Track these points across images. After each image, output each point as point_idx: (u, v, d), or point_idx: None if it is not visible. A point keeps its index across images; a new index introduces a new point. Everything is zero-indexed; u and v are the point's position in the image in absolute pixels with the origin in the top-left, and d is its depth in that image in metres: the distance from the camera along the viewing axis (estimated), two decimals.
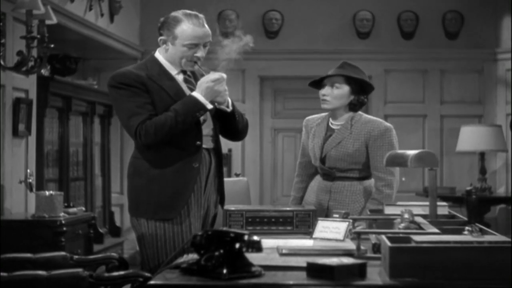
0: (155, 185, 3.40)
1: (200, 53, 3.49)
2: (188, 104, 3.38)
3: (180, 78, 3.52)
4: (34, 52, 5.08)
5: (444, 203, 3.57)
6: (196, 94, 3.41)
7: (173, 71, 3.51)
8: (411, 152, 3.36)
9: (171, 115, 3.34)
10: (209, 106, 3.41)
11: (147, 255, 3.43)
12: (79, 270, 2.80)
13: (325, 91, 4.12)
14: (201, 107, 3.39)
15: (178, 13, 3.51)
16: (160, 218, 3.40)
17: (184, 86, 3.51)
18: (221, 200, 3.65)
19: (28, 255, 3.20)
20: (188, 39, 3.45)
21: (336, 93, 4.11)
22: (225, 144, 3.74)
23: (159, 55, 3.54)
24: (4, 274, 2.74)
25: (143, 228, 3.42)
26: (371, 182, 4.15)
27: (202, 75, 3.51)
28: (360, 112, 4.20)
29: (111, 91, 3.46)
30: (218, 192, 3.62)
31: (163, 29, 3.49)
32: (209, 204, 3.57)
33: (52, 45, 4.98)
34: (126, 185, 3.61)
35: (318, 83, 4.19)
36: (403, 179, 4.09)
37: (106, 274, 2.86)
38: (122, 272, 2.85)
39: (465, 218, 3.40)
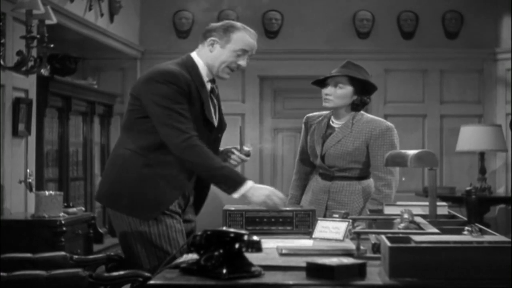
0: (144, 184, 3.37)
1: (243, 62, 3.54)
2: (235, 179, 3.36)
3: (208, 87, 3.53)
4: (34, 52, 5.07)
5: (444, 203, 3.58)
6: (248, 187, 3.37)
7: (205, 78, 3.51)
8: (411, 152, 3.36)
9: (216, 166, 3.33)
10: (236, 196, 3.37)
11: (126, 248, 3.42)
12: (79, 270, 2.79)
13: (329, 90, 4.12)
14: (234, 189, 3.35)
15: (235, 22, 3.59)
16: (138, 216, 3.36)
17: (209, 100, 3.51)
18: (197, 209, 3.66)
19: (28, 255, 3.20)
20: (241, 45, 3.50)
21: (339, 93, 4.10)
22: (225, 144, 3.74)
23: (197, 57, 3.53)
24: (3, 274, 2.74)
25: (122, 222, 3.39)
26: (369, 182, 4.15)
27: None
28: (361, 112, 4.19)
29: (154, 86, 3.37)
30: (197, 202, 3.63)
31: (216, 31, 3.51)
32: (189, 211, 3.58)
33: (52, 45, 4.97)
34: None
35: (321, 82, 4.19)
36: (403, 179, 4.09)
37: (106, 274, 2.85)
38: (121, 272, 2.85)
39: (465, 218, 3.40)
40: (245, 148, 3.66)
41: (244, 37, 3.52)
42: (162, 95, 3.35)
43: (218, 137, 3.60)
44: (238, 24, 3.56)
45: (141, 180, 3.38)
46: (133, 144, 3.43)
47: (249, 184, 3.36)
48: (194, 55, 3.55)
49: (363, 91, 4.13)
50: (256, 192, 3.38)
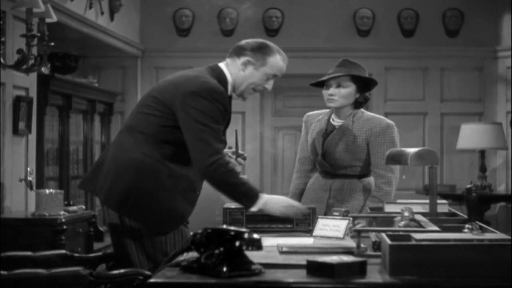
0: (165, 195, 3.25)
1: (270, 85, 3.48)
2: (252, 194, 3.28)
3: None
4: (34, 50, 5.07)
5: (444, 201, 3.58)
6: (264, 200, 3.29)
7: (229, 93, 3.44)
8: (412, 150, 3.36)
9: (239, 184, 3.24)
10: (254, 209, 3.29)
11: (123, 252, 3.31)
12: (79, 268, 2.79)
13: (332, 91, 4.10)
14: (252, 203, 3.28)
15: (271, 44, 3.47)
16: (154, 228, 3.25)
17: None
18: None
19: (28, 253, 3.19)
20: (275, 70, 3.43)
21: (343, 93, 4.09)
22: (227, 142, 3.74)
23: (227, 72, 3.43)
24: (4, 272, 2.74)
25: (124, 227, 3.29)
26: (370, 179, 4.15)
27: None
28: (362, 109, 4.19)
29: (198, 101, 3.22)
30: None
31: (253, 51, 3.41)
32: None
33: (52, 43, 4.97)
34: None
35: (320, 82, 4.18)
36: (404, 177, 4.08)
37: (106, 273, 2.85)
38: (122, 270, 2.84)
39: (465, 216, 3.40)
40: (241, 152, 3.62)
41: (279, 62, 3.44)
42: (205, 112, 3.21)
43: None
44: (274, 46, 3.46)
45: (162, 190, 3.25)
46: (155, 151, 3.26)
47: (264, 197, 3.30)
48: (223, 68, 3.44)
49: (364, 87, 4.13)
50: (273, 205, 3.32)
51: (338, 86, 4.09)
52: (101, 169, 3.38)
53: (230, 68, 3.44)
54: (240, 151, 3.62)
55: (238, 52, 3.43)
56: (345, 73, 4.08)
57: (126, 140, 3.35)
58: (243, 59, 3.41)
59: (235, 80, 3.42)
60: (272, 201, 3.32)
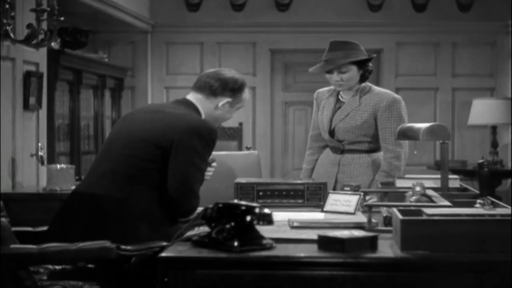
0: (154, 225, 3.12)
1: (231, 116, 3.48)
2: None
3: None
4: (44, 25, 5.07)
5: (456, 176, 3.56)
6: None
7: None
8: (423, 125, 3.35)
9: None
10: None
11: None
12: (107, 242, 2.83)
13: (335, 77, 4.08)
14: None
15: (239, 77, 3.41)
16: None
17: None
18: None
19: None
20: (245, 103, 3.44)
21: (347, 77, 4.08)
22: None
23: (201, 109, 3.35)
24: (33, 246, 2.80)
25: None
26: (379, 155, 4.15)
27: None
28: (369, 84, 4.18)
29: (199, 142, 3.15)
30: None
31: (234, 92, 3.36)
32: None
33: (62, 18, 4.96)
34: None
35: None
36: (415, 152, 4.07)
37: (132, 246, 2.87)
38: (147, 243, 2.88)
39: (477, 191, 3.39)
40: (210, 158, 3.42)
41: (247, 94, 3.44)
42: (202, 155, 3.18)
43: None
44: (241, 80, 3.41)
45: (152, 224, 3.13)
46: (148, 199, 3.13)
47: None
48: (196, 103, 3.35)
49: (364, 62, 4.11)
50: None
51: (340, 71, 4.07)
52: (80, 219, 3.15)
53: (203, 104, 3.35)
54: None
55: (215, 91, 3.34)
56: (344, 61, 4.03)
57: (115, 189, 3.13)
58: (223, 100, 3.34)
59: (209, 117, 3.34)
60: None
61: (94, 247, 2.81)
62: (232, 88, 3.36)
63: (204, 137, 3.17)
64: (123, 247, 2.83)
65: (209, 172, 3.42)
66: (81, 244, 2.81)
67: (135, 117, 3.36)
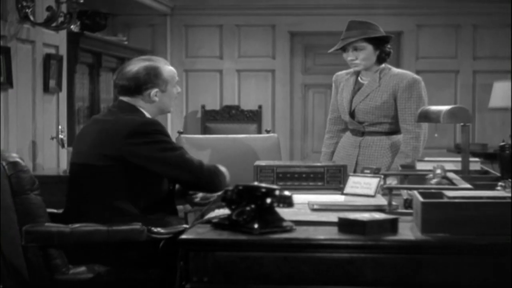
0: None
1: (178, 87, 3.35)
2: None
3: None
4: (64, 8, 5.08)
5: (477, 159, 3.54)
6: None
7: None
8: (444, 108, 3.33)
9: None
10: None
11: None
12: (138, 224, 2.89)
13: (351, 55, 4.08)
14: None
15: (144, 65, 3.22)
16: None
17: None
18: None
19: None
20: (174, 79, 3.29)
21: (362, 56, 4.07)
22: (256, 100, 3.72)
23: (138, 107, 3.22)
24: (65, 226, 2.86)
25: None
26: (399, 137, 4.13)
27: None
28: (389, 66, 4.17)
29: (148, 137, 3.09)
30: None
31: (152, 81, 3.20)
32: None
33: (81, 1, 4.97)
34: None
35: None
36: (436, 135, 4.05)
37: (163, 229, 2.91)
38: (178, 226, 2.93)
39: (498, 174, 3.37)
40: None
41: (170, 70, 3.27)
42: (164, 141, 3.11)
43: None
44: (157, 60, 3.27)
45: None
46: (134, 210, 3.07)
47: None
48: (134, 104, 3.21)
49: (381, 42, 4.09)
50: None
51: (355, 49, 4.06)
52: None
53: (137, 103, 3.22)
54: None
55: (136, 90, 3.19)
56: (356, 38, 4.03)
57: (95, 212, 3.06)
58: (149, 92, 3.21)
59: (151, 113, 3.24)
60: None
61: (125, 228, 2.87)
62: (146, 80, 3.20)
63: (148, 131, 3.09)
64: (154, 229, 2.88)
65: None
66: (113, 227, 2.87)
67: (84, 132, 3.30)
